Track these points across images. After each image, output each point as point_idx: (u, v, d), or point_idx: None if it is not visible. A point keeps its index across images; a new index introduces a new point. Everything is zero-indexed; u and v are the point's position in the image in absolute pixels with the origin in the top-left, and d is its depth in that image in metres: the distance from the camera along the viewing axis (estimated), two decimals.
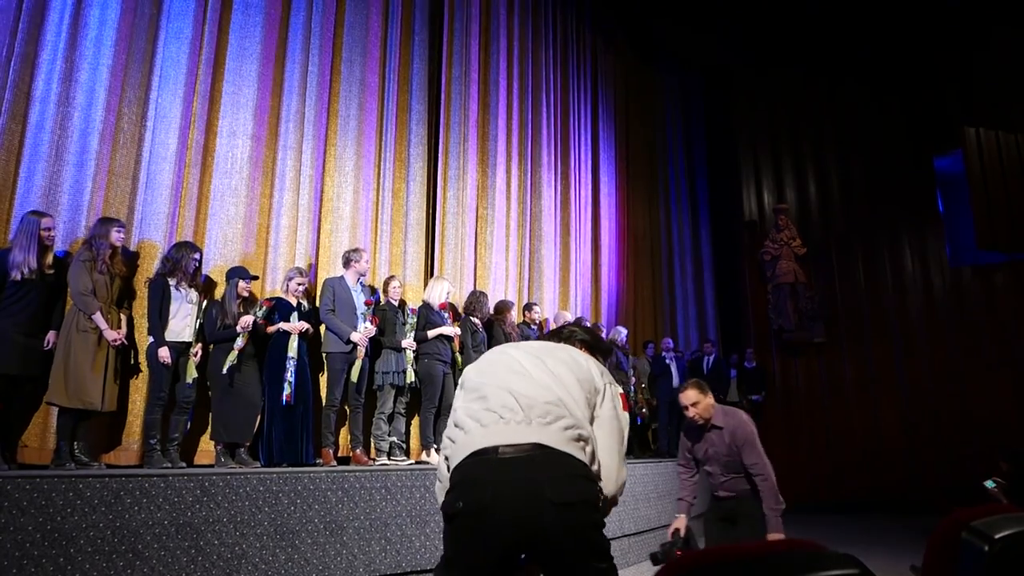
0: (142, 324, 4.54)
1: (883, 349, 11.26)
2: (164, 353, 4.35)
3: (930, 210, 11.30)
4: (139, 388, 4.55)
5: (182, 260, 4.53)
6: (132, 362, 4.53)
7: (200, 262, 4.78)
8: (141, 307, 4.59)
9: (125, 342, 4.30)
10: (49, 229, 4.03)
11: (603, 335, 8.23)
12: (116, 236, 4.30)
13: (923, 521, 8.90)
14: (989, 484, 6.19)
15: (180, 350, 4.49)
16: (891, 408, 11.01)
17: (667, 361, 9.07)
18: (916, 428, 10.73)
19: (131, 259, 4.70)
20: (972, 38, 10.80)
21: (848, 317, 11.61)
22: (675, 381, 9.01)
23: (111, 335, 4.15)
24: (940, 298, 11.09)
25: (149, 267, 4.69)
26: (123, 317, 4.38)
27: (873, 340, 11.35)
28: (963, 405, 10.39)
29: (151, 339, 4.42)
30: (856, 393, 11.31)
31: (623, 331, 8.61)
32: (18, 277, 3.89)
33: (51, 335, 4.06)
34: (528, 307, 7.22)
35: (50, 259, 4.09)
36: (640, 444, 8.56)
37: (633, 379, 8.39)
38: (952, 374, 10.63)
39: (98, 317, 4.11)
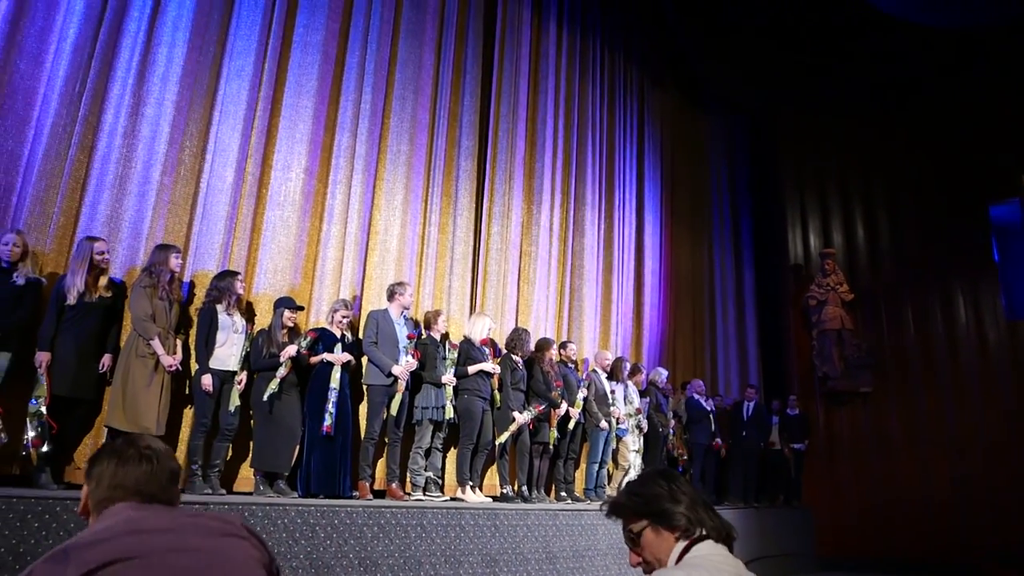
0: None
1: (933, 402, 10.85)
2: (207, 380, 4.44)
3: (985, 260, 10.95)
4: (188, 416, 4.64)
5: (227, 287, 4.63)
6: (187, 391, 4.63)
7: (243, 284, 4.87)
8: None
9: (180, 368, 4.40)
10: (102, 253, 4.16)
11: (643, 375, 8.13)
12: (175, 262, 4.44)
13: None
14: None
15: (225, 378, 4.57)
16: (940, 464, 10.56)
17: (704, 405, 8.84)
18: (966, 487, 10.26)
19: (186, 288, 4.84)
20: None
21: (897, 367, 11.25)
22: (713, 425, 8.81)
23: (167, 361, 4.26)
24: (995, 351, 10.68)
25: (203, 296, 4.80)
26: (179, 343, 4.49)
27: (923, 392, 10.96)
28: (1017, 465, 9.91)
29: (198, 366, 4.52)
30: (904, 446, 10.90)
31: (664, 372, 8.49)
32: (72, 301, 4.01)
33: (106, 358, 4.18)
34: (563, 345, 7.16)
35: (104, 282, 4.22)
36: None
37: (672, 422, 8.25)
38: (1006, 432, 10.17)
39: (156, 343, 4.22)
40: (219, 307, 4.61)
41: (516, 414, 6.04)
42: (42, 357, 3.88)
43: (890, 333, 11.48)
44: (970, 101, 11.09)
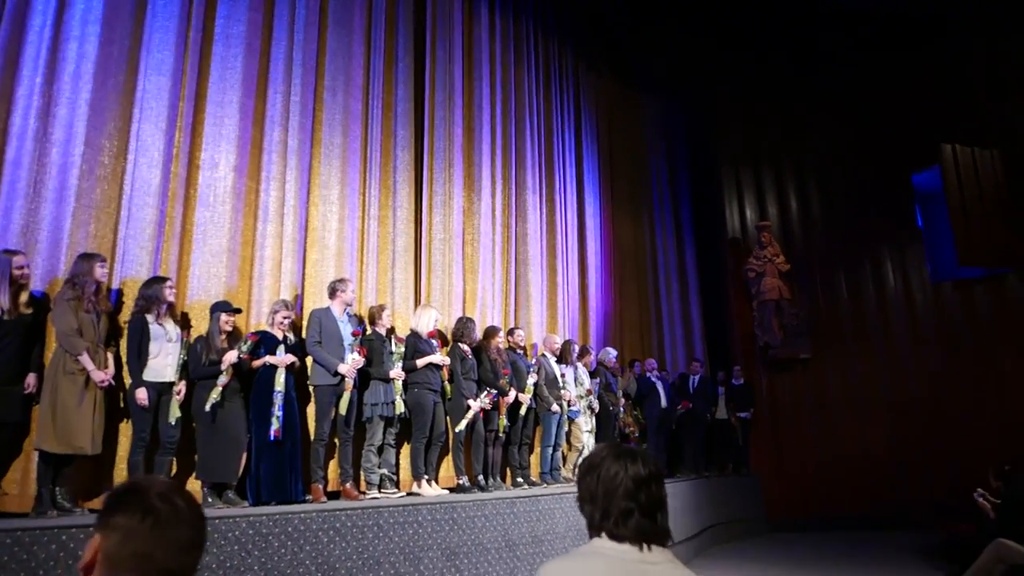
0: None
1: (868, 364, 11.32)
2: (142, 395, 4.24)
3: (910, 226, 11.44)
4: (126, 430, 4.44)
5: (155, 295, 4.42)
6: (122, 405, 4.42)
7: (174, 291, 4.67)
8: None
9: (112, 383, 4.19)
10: (22, 267, 3.92)
11: (592, 356, 8.21)
12: (100, 272, 4.21)
13: (910, 537, 8.94)
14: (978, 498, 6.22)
15: (162, 390, 4.37)
16: (877, 423, 11.05)
17: (653, 380, 9.07)
18: (902, 443, 10.78)
19: (115, 296, 4.61)
20: (948, 55, 11.01)
21: (832, 333, 11.68)
22: (663, 401, 9.01)
23: (98, 376, 4.04)
24: (922, 313, 11.20)
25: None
26: (110, 356, 4.27)
27: (858, 355, 11.42)
28: (947, 420, 10.45)
29: (131, 381, 4.32)
30: (842, 408, 11.35)
31: (612, 352, 8.59)
32: None
33: (31, 378, 3.94)
34: (511, 332, 7.19)
35: (25, 298, 3.98)
36: None
37: (622, 400, 8.36)
38: (935, 389, 10.70)
39: (85, 358, 3.99)
40: (149, 317, 4.39)
41: (470, 401, 6.02)
42: None
43: (825, 300, 11.89)
44: (892, 76, 11.50)
